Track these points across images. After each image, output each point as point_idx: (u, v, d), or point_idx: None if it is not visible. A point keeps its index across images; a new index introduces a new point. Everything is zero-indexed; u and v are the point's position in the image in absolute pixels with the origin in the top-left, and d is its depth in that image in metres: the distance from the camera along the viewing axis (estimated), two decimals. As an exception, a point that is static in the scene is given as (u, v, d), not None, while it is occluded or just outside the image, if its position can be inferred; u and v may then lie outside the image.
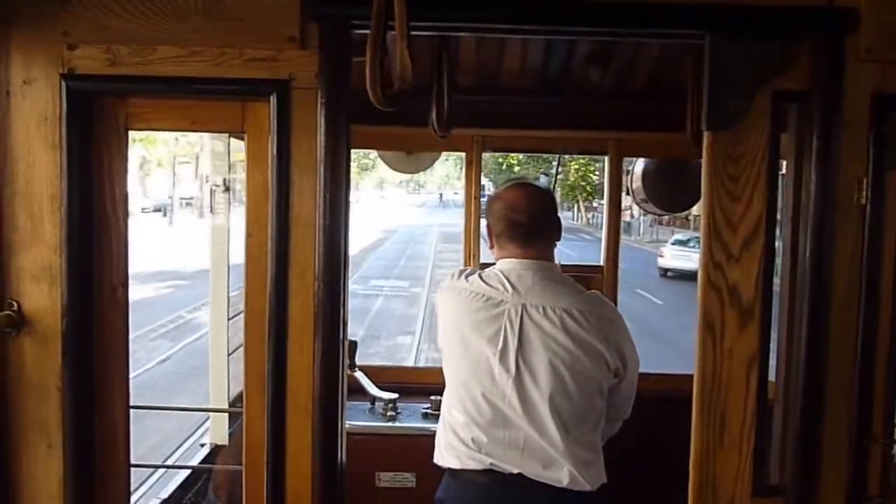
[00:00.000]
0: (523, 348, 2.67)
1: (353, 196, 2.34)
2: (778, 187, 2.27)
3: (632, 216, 43.82)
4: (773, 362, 2.33)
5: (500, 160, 46.27)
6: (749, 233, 2.23)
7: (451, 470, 2.78)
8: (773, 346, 2.31)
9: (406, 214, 67.13)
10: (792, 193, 2.30)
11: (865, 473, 2.26)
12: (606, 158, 4.61)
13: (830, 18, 2.18)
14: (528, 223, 2.79)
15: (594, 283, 4.08)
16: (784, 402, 2.31)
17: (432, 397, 4.05)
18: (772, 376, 2.34)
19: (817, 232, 2.19)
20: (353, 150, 2.30)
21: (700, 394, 2.25)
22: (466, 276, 2.85)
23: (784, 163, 2.40)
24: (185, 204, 54.88)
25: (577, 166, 41.99)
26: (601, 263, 4.60)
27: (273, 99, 2.22)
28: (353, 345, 4.22)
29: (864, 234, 2.23)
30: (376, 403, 4.14)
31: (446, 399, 2.84)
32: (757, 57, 2.18)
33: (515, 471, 2.66)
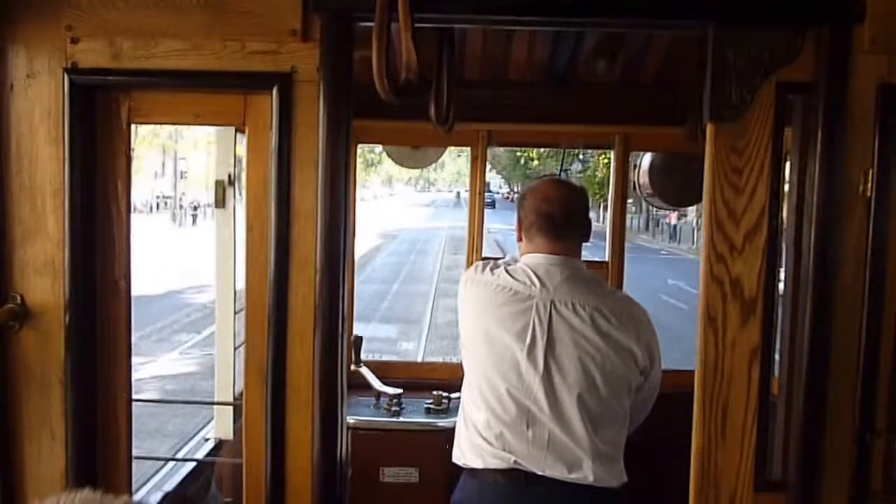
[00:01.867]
0: (552, 345, 2.64)
1: (358, 194, 2.33)
2: (781, 180, 2.26)
3: (679, 218, 38.52)
4: (777, 356, 2.32)
5: (519, 153, 44.55)
6: (752, 225, 2.21)
7: (471, 470, 2.74)
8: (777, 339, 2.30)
9: (411, 215, 59.12)
10: (796, 186, 2.29)
11: (869, 469, 2.25)
12: (612, 152, 4.60)
13: (836, 9, 2.17)
14: (559, 216, 2.77)
15: None
16: (787, 397, 2.30)
17: (434, 392, 4.06)
18: (775, 370, 2.32)
19: (822, 224, 2.17)
20: (357, 145, 2.30)
21: (702, 387, 2.24)
22: (492, 270, 2.80)
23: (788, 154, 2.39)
24: (162, 204, 52.53)
25: (606, 160, 39.50)
26: (606, 259, 4.58)
27: (275, 92, 2.22)
28: (359, 340, 4.23)
29: (869, 227, 2.21)
30: (381, 398, 4.14)
31: (467, 396, 2.79)
32: (761, 48, 2.17)
33: (539, 471, 2.63)
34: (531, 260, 2.77)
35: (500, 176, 61.75)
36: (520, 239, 2.87)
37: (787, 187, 2.40)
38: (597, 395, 2.63)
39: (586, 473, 2.62)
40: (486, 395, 2.70)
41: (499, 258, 2.96)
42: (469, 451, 2.74)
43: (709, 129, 2.22)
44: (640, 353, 2.68)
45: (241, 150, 4.22)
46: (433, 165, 5.19)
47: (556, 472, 2.63)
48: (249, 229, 2.32)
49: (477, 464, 2.71)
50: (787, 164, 2.39)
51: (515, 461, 2.65)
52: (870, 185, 2.20)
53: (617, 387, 2.67)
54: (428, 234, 41.72)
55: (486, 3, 2.23)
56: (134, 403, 2.45)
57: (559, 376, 2.63)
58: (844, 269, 2.21)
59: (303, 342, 2.26)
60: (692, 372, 2.32)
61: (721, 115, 2.19)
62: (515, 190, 59.16)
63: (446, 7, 2.23)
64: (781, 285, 2.30)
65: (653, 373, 2.77)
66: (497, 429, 2.66)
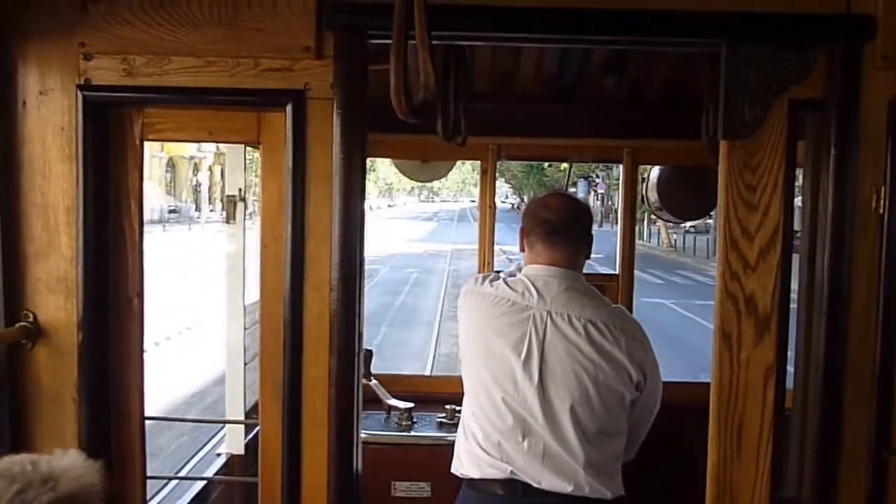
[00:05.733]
0: (547, 356, 2.66)
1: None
2: (794, 196, 2.26)
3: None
4: (791, 368, 2.31)
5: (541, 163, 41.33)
6: (766, 242, 2.21)
7: (470, 480, 2.76)
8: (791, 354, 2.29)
9: (408, 233, 46.53)
10: (809, 202, 2.29)
11: (885, 486, 2.24)
12: (621, 166, 4.61)
13: (847, 26, 2.17)
14: (557, 221, 2.79)
15: (608, 291, 4.06)
16: (802, 413, 2.29)
17: (447, 406, 4.05)
18: (790, 385, 2.32)
19: (835, 241, 2.17)
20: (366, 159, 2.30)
21: (717, 404, 2.23)
22: (491, 281, 2.84)
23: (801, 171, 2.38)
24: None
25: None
26: (616, 272, 4.58)
27: (288, 109, 2.22)
28: (369, 354, 4.23)
29: (882, 243, 2.21)
30: (392, 413, 4.14)
31: (466, 406, 2.82)
32: (773, 65, 2.18)
33: (536, 483, 2.64)
34: (531, 271, 2.80)
35: (508, 185, 60.36)
36: (522, 249, 2.90)
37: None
38: (590, 406, 2.65)
39: (581, 484, 2.63)
40: (483, 404, 2.72)
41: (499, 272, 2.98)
42: (467, 461, 2.76)
43: (722, 146, 2.22)
44: (631, 368, 2.69)
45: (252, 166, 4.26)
46: (437, 175, 5.20)
47: (552, 483, 2.64)
48: (264, 246, 2.32)
49: (474, 473, 2.73)
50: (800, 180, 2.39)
51: (512, 471, 2.66)
52: (882, 201, 2.20)
53: (610, 399, 2.68)
54: (424, 264, 29.63)
55: (500, 21, 2.23)
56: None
57: (553, 387, 2.65)
58: (858, 285, 2.20)
59: (318, 360, 2.26)
60: (705, 384, 2.31)
61: (734, 133, 2.20)
62: (527, 201, 57.14)
63: (461, 25, 2.24)
64: (794, 297, 2.30)
65: (647, 388, 2.77)
66: (494, 438, 2.69)
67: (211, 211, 51.42)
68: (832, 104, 2.17)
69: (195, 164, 50.22)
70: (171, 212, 45.83)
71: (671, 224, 31.07)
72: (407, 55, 1.86)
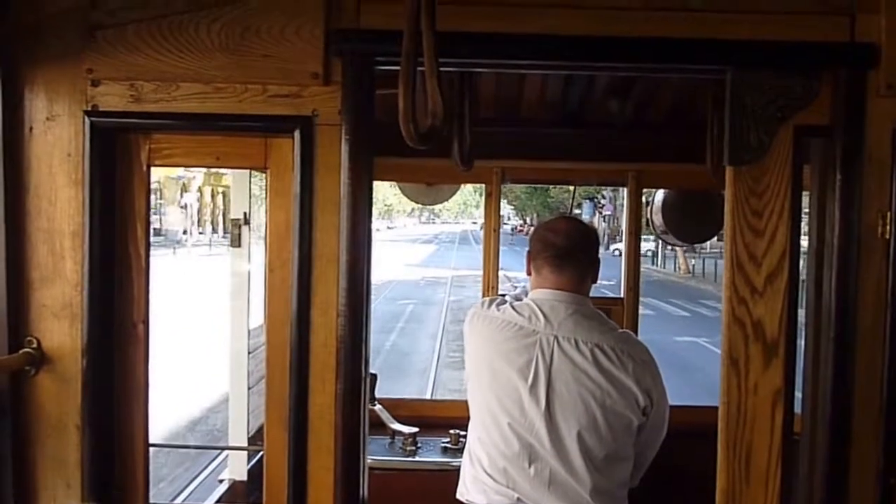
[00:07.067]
0: (554, 381, 2.65)
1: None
2: (801, 222, 2.26)
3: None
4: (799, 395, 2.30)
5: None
6: (773, 268, 2.21)
7: None
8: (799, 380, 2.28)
9: (406, 257, 43.76)
10: (815, 228, 2.29)
11: None
12: (626, 189, 4.63)
13: (851, 54, 2.19)
14: (563, 244, 2.80)
15: (613, 315, 4.06)
16: (810, 440, 2.28)
17: (451, 431, 4.03)
18: (798, 410, 2.31)
19: (841, 266, 2.17)
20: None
21: (725, 430, 2.22)
22: (497, 305, 2.83)
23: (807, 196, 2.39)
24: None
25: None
26: (621, 296, 4.57)
27: (296, 135, 2.23)
28: (373, 378, 4.22)
29: (888, 269, 2.20)
30: (396, 438, 4.12)
31: (472, 431, 2.80)
32: (778, 92, 2.19)
33: None
34: (538, 295, 2.79)
35: (511, 206, 59.59)
36: (529, 272, 2.89)
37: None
38: (597, 432, 2.64)
39: None
40: (489, 429, 2.71)
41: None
42: (473, 487, 2.74)
43: (728, 171, 2.22)
44: (639, 393, 2.68)
45: (256, 189, 4.27)
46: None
47: None
48: (271, 271, 2.31)
49: (480, 500, 2.71)
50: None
51: (518, 498, 2.65)
52: (888, 227, 2.20)
53: (618, 424, 2.67)
54: (421, 294, 27.45)
55: (508, 48, 2.24)
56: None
57: (560, 413, 2.64)
58: (865, 311, 2.20)
59: (324, 386, 2.25)
60: (712, 408, 2.30)
61: (740, 159, 2.20)
62: (530, 222, 56.97)
63: (469, 51, 2.24)
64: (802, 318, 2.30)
65: (654, 413, 2.76)
66: (500, 464, 2.67)
67: (200, 234, 50.23)
68: (837, 131, 2.18)
69: (183, 184, 48.63)
70: (155, 234, 43.99)
71: (684, 247, 28.09)
72: (415, 81, 1.87)
